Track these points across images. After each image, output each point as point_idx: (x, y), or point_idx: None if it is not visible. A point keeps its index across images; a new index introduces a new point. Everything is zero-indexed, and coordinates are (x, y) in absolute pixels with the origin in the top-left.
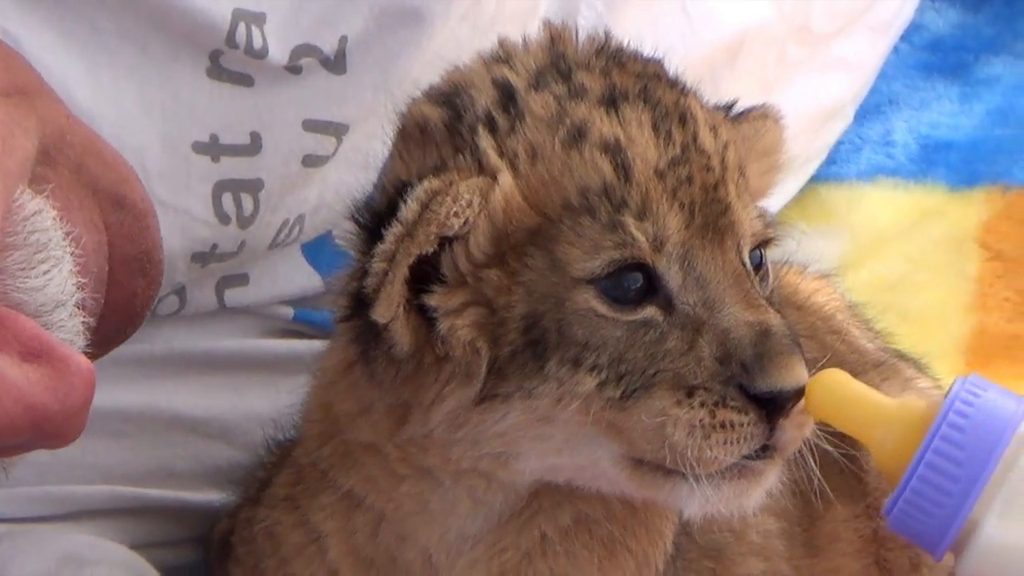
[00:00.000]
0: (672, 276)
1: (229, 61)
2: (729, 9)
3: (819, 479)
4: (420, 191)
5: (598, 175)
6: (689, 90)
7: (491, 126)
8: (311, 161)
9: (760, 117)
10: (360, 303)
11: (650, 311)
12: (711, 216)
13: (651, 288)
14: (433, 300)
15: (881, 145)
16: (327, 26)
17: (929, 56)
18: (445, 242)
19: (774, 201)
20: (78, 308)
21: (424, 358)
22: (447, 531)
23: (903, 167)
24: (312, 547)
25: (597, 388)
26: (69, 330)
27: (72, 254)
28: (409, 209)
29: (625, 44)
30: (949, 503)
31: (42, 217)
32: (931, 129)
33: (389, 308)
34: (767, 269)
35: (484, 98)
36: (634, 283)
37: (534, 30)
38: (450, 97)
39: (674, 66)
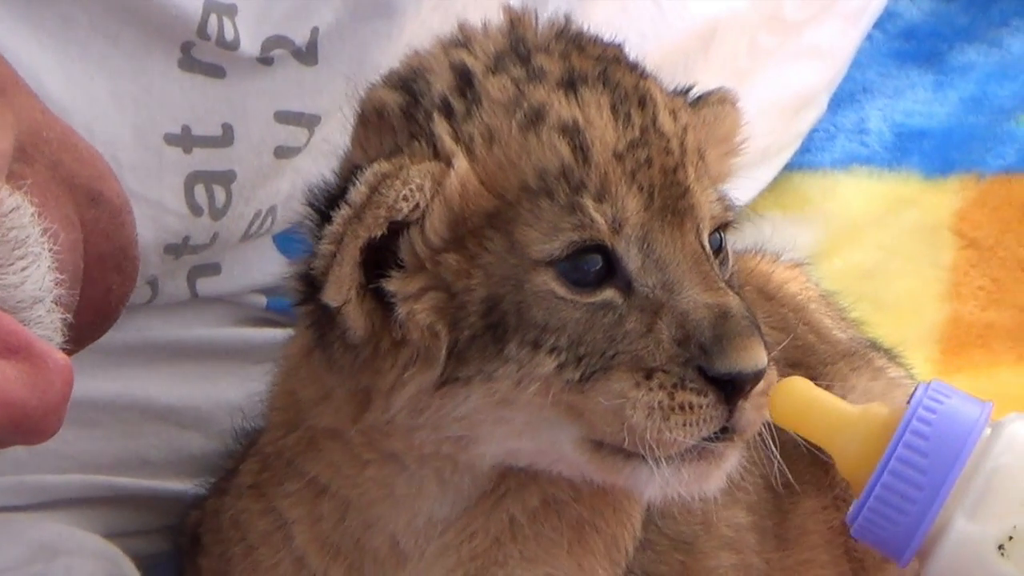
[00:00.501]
0: (631, 258)
1: (201, 52)
2: None
3: (779, 461)
4: (369, 174)
5: (556, 157)
6: (648, 74)
7: (447, 111)
8: (283, 152)
9: (719, 101)
10: (313, 286)
11: (609, 293)
12: (670, 199)
13: (610, 270)
14: (391, 285)
15: (855, 133)
16: (298, 17)
17: (903, 44)
18: (402, 227)
19: (748, 189)
20: (56, 304)
21: (381, 343)
22: (415, 516)
23: (877, 155)
24: (278, 534)
25: (556, 370)
26: (47, 326)
27: (50, 250)
28: (358, 192)
29: (585, 28)
30: (913, 509)
31: (20, 213)
32: (905, 117)
33: (339, 291)
34: (727, 252)
35: (441, 83)
36: (593, 265)
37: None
38: (407, 82)
39: (644, 54)
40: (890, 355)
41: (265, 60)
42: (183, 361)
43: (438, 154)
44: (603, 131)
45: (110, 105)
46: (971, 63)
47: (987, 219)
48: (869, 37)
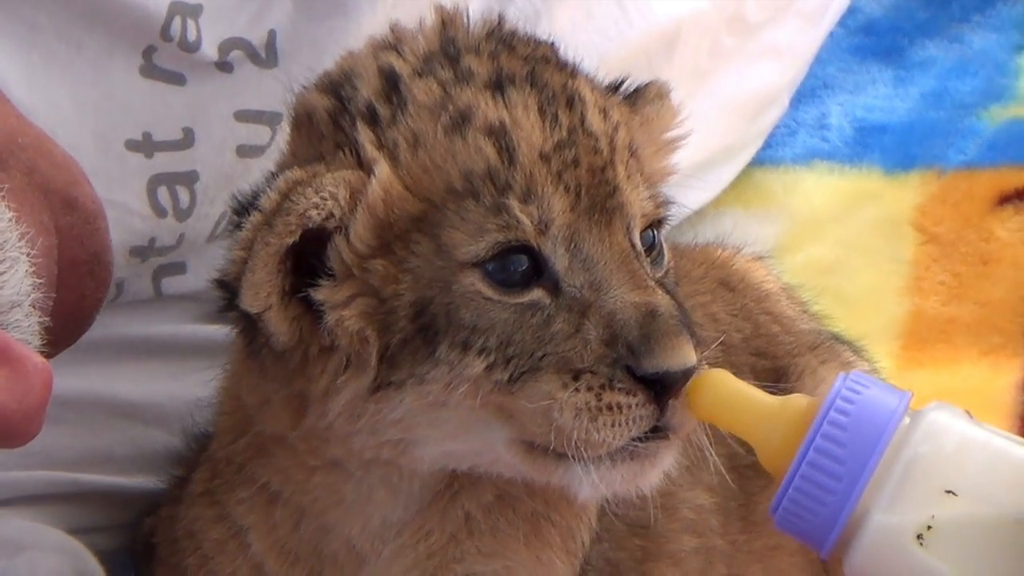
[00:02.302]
0: (558, 258)
1: (162, 59)
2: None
3: (714, 459)
4: (281, 181)
5: (482, 159)
6: (579, 73)
7: (372, 118)
8: (246, 151)
9: (656, 97)
10: (233, 293)
11: (537, 293)
12: (598, 198)
13: (537, 271)
14: (319, 295)
15: (816, 129)
16: (256, 20)
17: (863, 39)
18: (329, 235)
19: (711, 188)
20: (34, 308)
21: (310, 349)
22: (368, 520)
23: (838, 151)
24: (233, 542)
25: (485, 371)
26: (25, 330)
27: (28, 255)
28: (268, 198)
29: (518, 27)
30: (832, 500)
31: None
32: (866, 112)
33: (256, 297)
34: (661, 249)
35: (368, 88)
36: (520, 265)
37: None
38: (336, 86)
39: (607, 56)
40: (854, 348)
41: (224, 66)
42: (148, 358)
43: (362, 162)
44: (530, 132)
45: (72, 111)
46: (932, 58)
47: (948, 214)
48: (830, 33)
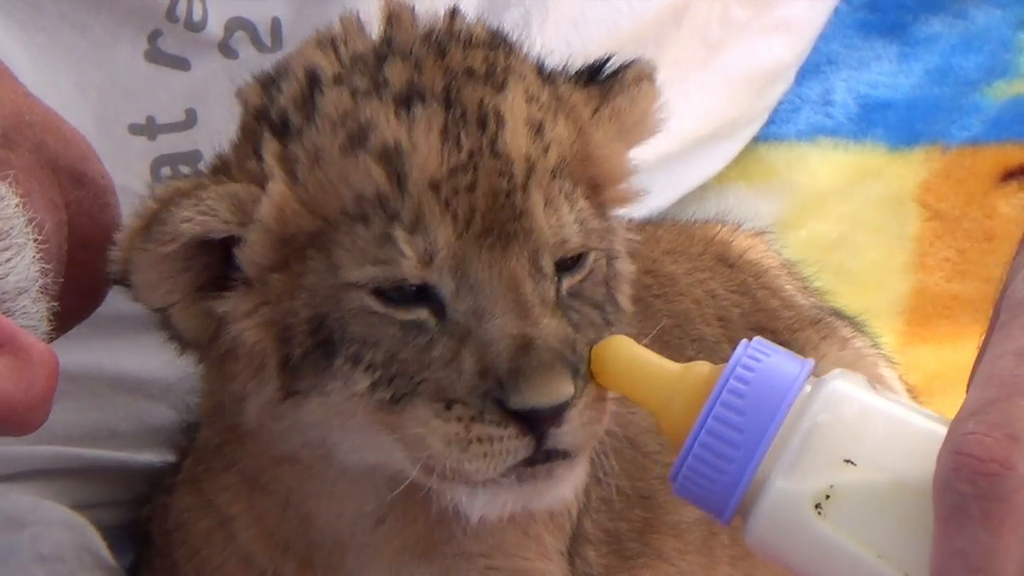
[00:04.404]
0: (444, 285)
1: (167, 43)
2: None
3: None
4: (162, 189)
5: (372, 184)
6: (513, 83)
7: (282, 127)
8: None
9: (634, 80)
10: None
11: (423, 313)
12: (496, 223)
13: (426, 291)
14: (220, 306)
15: (820, 105)
16: (261, 2)
17: (867, 15)
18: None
19: (716, 162)
20: (42, 293)
21: (219, 353)
22: (342, 510)
23: (842, 127)
24: (220, 532)
25: (370, 388)
26: (33, 316)
27: (35, 240)
28: (147, 205)
29: (466, 25)
30: (731, 468)
31: (4, 204)
32: (870, 89)
33: (153, 294)
34: (594, 275)
35: (289, 91)
36: (408, 285)
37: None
38: (268, 84)
39: (618, 29)
40: (854, 324)
41: (227, 51)
42: (152, 333)
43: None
44: (425, 156)
45: (76, 95)
46: (936, 34)
47: (952, 190)
48: (835, 9)
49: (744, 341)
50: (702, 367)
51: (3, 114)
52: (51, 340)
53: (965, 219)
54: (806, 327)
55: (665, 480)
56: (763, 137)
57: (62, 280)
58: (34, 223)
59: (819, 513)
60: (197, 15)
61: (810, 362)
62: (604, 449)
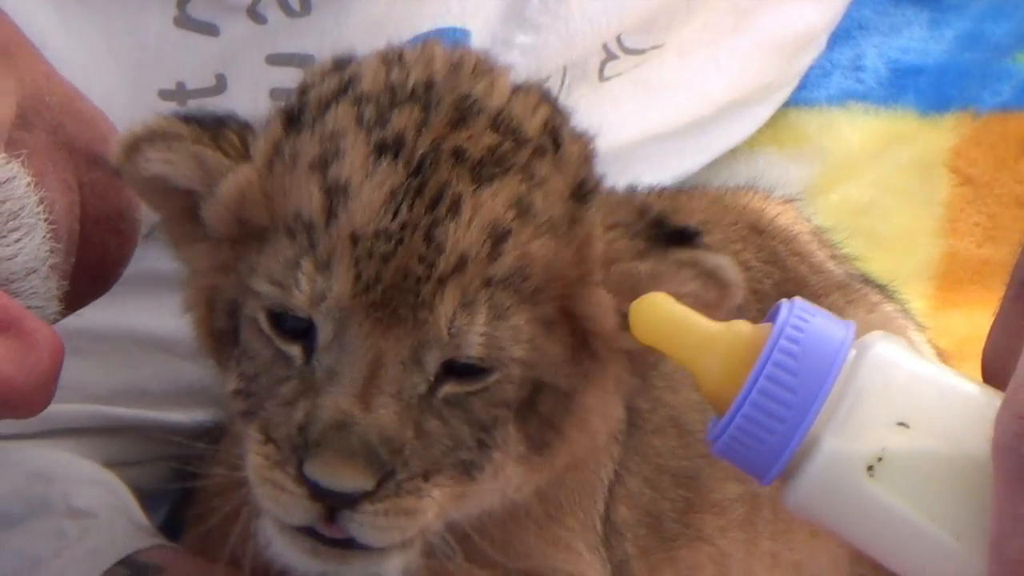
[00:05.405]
0: (323, 331)
1: (196, 9)
2: None
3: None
4: (153, 119)
5: (308, 208)
6: (498, 183)
7: (293, 120)
8: (279, 95)
9: (693, 266)
10: None
11: (296, 350)
12: (394, 301)
13: (310, 330)
14: (180, 254)
15: (851, 70)
16: None
17: None
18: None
19: (747, 127)
20: (52, 271)
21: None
22: None
23: (873, 92)
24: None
25: (233, 394)
26: (41, 296)
27: (46, 220)
28: (133, 128)
29: (513, 107)
30: (782, 428)
31: (15, 184)
32: (901, 54)
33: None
34: (496, 396)
35: (323, 89)
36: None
37: None
38: (326, 73)
39: None
40: (884, 291)
41: (256, 16)
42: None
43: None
44: (362, 208)
45: (106, 61)
46: (967, 1)
47: (983, 156)
48: None
49: (786, 301)
50: (743, 326)
51: (24, 94)
52: (61, 319)
53: (996, 184)
54: (832, 291)
55: (710, 458)
56: (794, 102)
57: (75, 260)
58: (45, 203)
59: (871, 475)
60: None
61: (852, 324)
62: (652, 427)
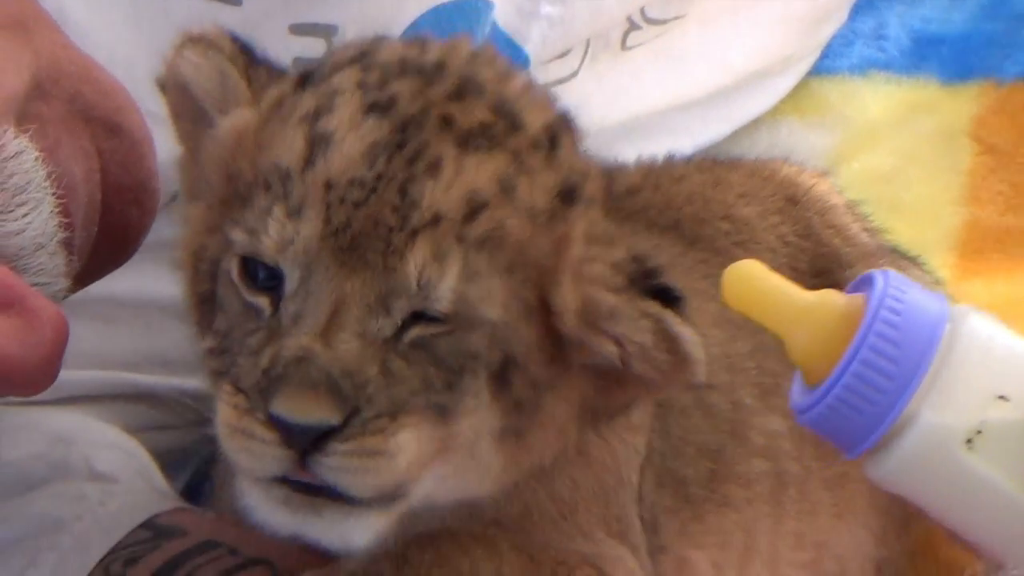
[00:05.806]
0: (290, 279)
1: None
2: None
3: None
4: (210, 27)
5: (288, 156)
6: (485, 157)
7: (306, 78)
8: (301, 65)
9: (658, 323)
10: None
11: (264, 301)
12: (363, 246)
13: (278, 280)
14: (175, 210)
15: (873, 39)
16: None
17: None
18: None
19: (769, 98)
20: (60, 247)
21: None
22: None
23: (895, 61)
24: None
25: (208, 353)
26: (49, 272)
27: (54, 194)
28: (186, 32)
29: (517, 100)
30: (882, 400)
31: (23, 159)
32: (923, 23)
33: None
34: (464, 344)
35: (340, 55)
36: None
37: None
38: (355, 51)
39: None
40: (914, 262)
41: None
42: None
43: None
44: (339, 156)
45: (129, 30)
46: None
47: (1005, 125)
48: None
49: (878, 272)
50: (836, 297)
51: (40, 64)
52: (82, 288)
53: (1018, 154)
54: (857, 262)
55: (734, 435)
56: (816, 71)
57: (96, 228)
58: (54, 176)
59: (969, 448)
60: None
61: (944, 296)
62: (679, 407)
